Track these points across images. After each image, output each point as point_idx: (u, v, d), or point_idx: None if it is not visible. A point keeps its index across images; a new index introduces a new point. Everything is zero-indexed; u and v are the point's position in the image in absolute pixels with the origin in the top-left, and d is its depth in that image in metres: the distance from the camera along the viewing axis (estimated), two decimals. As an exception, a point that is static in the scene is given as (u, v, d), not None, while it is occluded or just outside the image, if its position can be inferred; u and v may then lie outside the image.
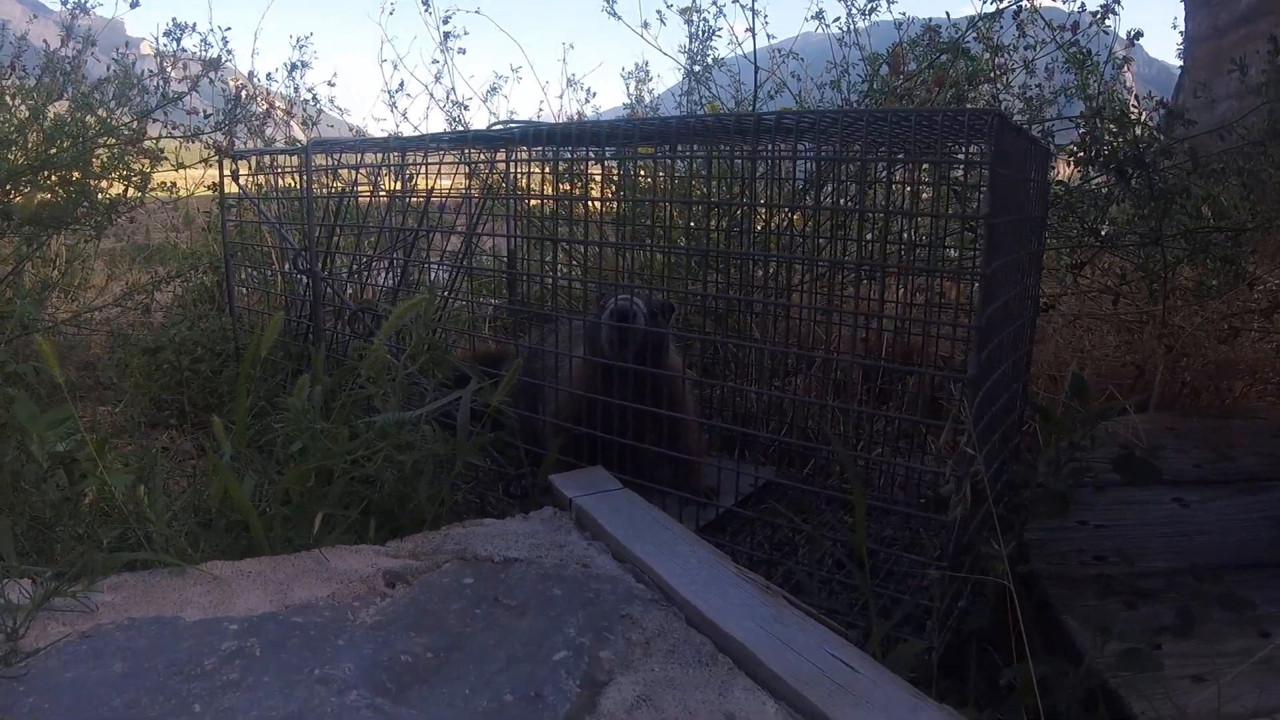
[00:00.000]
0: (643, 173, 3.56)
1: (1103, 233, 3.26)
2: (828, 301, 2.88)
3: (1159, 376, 3.20)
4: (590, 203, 2.81)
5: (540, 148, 2.51)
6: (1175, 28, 5.43)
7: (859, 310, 2.79)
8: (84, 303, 4.50)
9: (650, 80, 4.91)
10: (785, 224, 3.37)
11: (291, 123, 5.38)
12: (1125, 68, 3.75)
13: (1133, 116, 3.08)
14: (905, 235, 2.89)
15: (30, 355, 3.32)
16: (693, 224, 3.41)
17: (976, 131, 1.76)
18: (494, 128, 2.58)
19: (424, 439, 2.01)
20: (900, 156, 2.53)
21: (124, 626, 1.45)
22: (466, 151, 2.87)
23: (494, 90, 5.18)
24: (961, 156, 2.53)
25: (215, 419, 2.02)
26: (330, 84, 6.59)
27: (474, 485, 2.52)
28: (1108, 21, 3.36)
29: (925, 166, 2.81)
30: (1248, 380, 3.44)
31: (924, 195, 3.01)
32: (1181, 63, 5.71)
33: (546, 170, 2.81)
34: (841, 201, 3.00)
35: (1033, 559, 2.09)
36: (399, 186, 2.91)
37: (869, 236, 3.00)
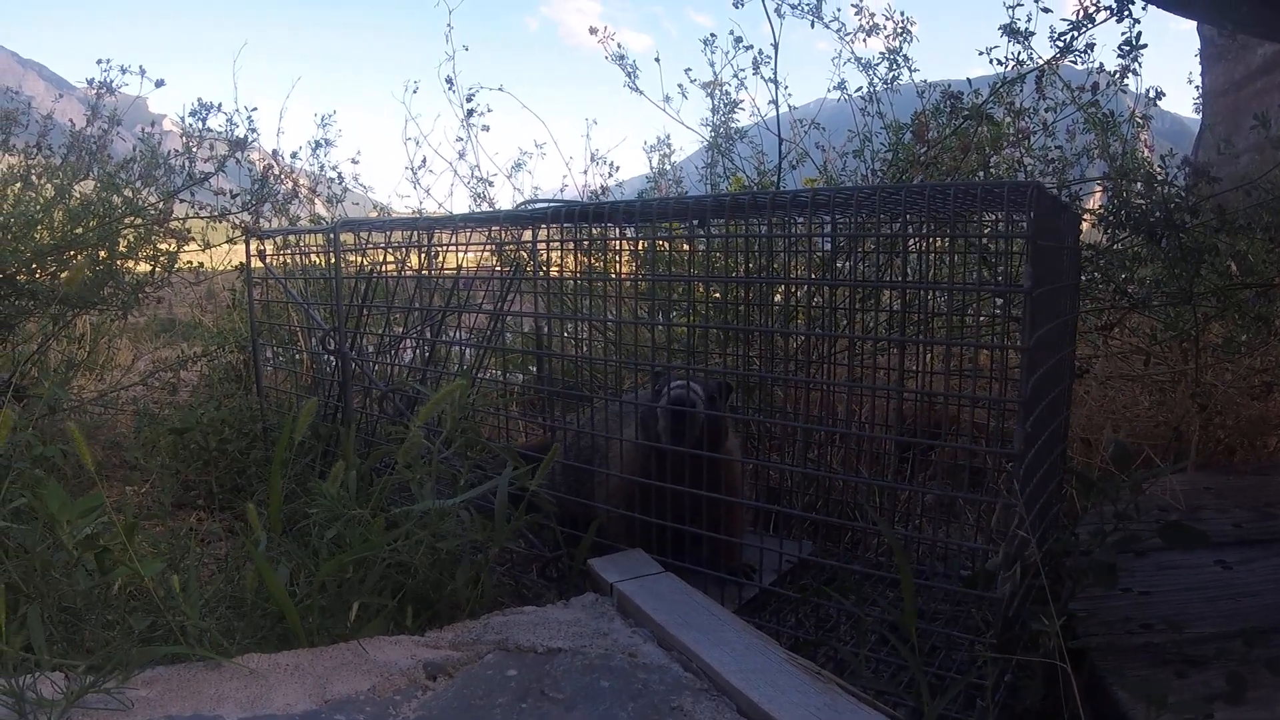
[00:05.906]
0: (687, 248, 3.44)
1: (1130, 292, 3.24)
2: (888, 377, 2.82)
3: (1195, 436, 3.16)
4: (620, 279, 2.78)
5: (569, 225, 2.49)
6: (1191, 82, 5.44)
7: (908, 389, 2.75)
8: (110, 381, 4.50)
9: (672, 152, 4.96)
10: (826, 297, 3.29)
11: (316, 200, 5.44)
12: (1145, 126, 3.75)
13: (1159, 176, 3.08)
14: (941, 306, 2.85)
15: (57, 436, 3.30)
16: (751, 296, 3.28)
17: (1015, 203, 1.75)
18: (522, 207, 2.59)
19: (460, 525, 1.98)
20: (947, 233, 2.49)
21: (162, 727, 1.41)
22: (493, 230, 2.86)
23: (518, 166, 5.20)
24: (998, 227, 2.50)
25: (249, 505, 2.00)
26: (354, 161, 6.77)
27: (509, 568, 2.48)
28: (1126, 80, 3.37)
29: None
30: (1282, 436, 3.41)
31: (958, 264, 2.96)
32: (1199, 116, 5.72)
33: (569, 247, 2.79)
34: (888, 275, 2.92)
35: (1080, 631, 2.05)
36: (426, 265, 2.91)
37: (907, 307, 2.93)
